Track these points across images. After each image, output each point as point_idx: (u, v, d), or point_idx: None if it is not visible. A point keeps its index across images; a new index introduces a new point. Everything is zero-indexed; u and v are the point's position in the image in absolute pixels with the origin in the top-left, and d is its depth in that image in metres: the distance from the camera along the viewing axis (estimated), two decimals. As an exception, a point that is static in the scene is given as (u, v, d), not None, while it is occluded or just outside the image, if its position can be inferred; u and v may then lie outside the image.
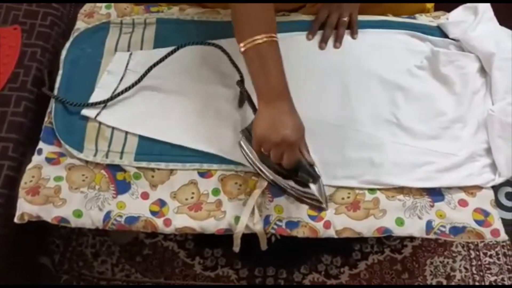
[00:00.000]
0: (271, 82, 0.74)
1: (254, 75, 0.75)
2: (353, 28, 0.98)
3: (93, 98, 0.89)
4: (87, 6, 1.03)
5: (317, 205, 0.82)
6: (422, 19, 1.03)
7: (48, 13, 1.02)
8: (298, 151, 0.76)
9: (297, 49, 0.97)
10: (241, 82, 0.86)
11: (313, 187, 0.80)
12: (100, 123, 0.88)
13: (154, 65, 0.90)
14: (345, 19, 0.96)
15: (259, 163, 0.81)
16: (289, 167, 0.77)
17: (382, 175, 0.84)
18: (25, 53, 0.97)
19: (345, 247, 1.29)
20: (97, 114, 0.88)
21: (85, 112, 0.88)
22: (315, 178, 0.80)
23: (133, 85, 0.90)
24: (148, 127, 0.87)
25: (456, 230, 0.81)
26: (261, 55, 0.73)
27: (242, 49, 0.74)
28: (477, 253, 1.30)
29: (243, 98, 0.87)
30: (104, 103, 0.89)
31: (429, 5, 1.07)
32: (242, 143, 0.83)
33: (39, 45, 0.99)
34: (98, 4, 1.03)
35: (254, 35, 0.72)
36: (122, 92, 0.89)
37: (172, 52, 0.90)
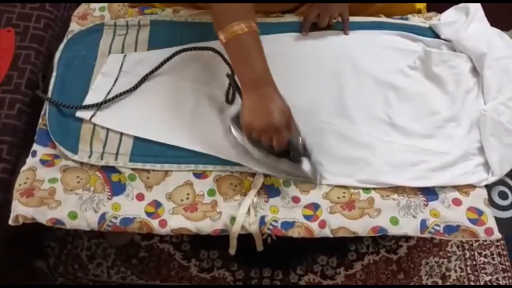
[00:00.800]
0: (253, 71, 0.75)
1: (237, 65, 0.78)
2: (345, 26, 0.99)
3: (87, 100, 0.89)
4: (81, 8, 1.03)
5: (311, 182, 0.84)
6: (414, 20, 1.04)
7: (42, 16, 1.02)
8: (286, 132, 0.77)
9: (291, 50, 0.98)
10: (231, 75, 0.86)
11: (305, 165, 0.81)
12: (94, 124, 0.88)
13: (151, 72, 0.92)
14: (336, 19, 0.97)
15: (250, 148, 0.83)
16: (280, 150, 0.79)
17: (376, 174, 0.84)
18: (19, 55, 0.97)
19: (341, 248, 1.29)
20: (92, 116, 0.88)
21: (79, 114, 0.88)
22: (307, 155, 0.81)
23: (127, 91, 0.90)
24: (143, 128, 0.87)
25: (450, 229, 0.82)
26: (243, 45, 0.75)
27: (224, 41, 0.75)
28: (472, 253, 1.30)
29: (233, 90, 0.88)
30: (97, 106, 0.88)
31: (421, 6, 1.08)
32: (232, 129, 0.84)
33: (33, 47, 0.99)
34: (92, 6, 1.03)
35: (232, 23, 0.73)
36: (116, 97, 0.89)
37: (168, 59, 0.92)
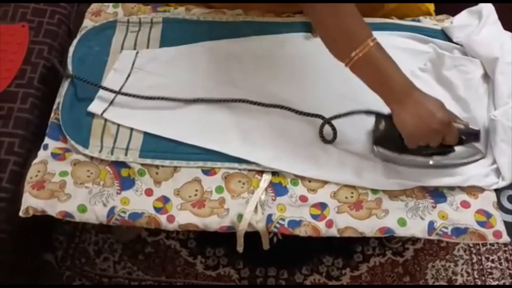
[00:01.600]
0: (397, 83, 0.74)
1: (375, 84, 0.75)
2: None
3: (100, 95, 0.90)
4: (95, 5, 1.04)
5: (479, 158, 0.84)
6: (426, 22, 1.04)
7: (56, 12, 1.03)
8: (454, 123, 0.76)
9: (301, 50, 0.98)
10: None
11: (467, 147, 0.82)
12: (106, 120, 0.88)
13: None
14: None
15: (406, 156, 0.83)
16: (455, 141, 0.78)
17: (385, 175, 0.84)
18: (32, 50, 0.98)
19: (347, 249, 1.29)
20: (104, 111, 0.88)
21: (91, 108, 0.89)
22: (477, 133, 0.81)
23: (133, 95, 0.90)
24: (154, 125, 0.88)
25: (458, 231, 0.81)
26: (374, 62, 0.73)
27: (350, 64, 0.73)
28: (479, 257, 1.30)
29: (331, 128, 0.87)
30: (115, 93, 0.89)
31: (431, 8, 1.07)
32: (378, 150, 0.84)
33: (47, 42, 1.00)
34: (106, 3, 1.04)
35: (355, 47, 0.71)
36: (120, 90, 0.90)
37: None
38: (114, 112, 0.89)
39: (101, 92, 0.90)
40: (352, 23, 0.74)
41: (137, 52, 0.96)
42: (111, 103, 0.90)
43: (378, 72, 0.74)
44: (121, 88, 0.91)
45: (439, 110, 0.74)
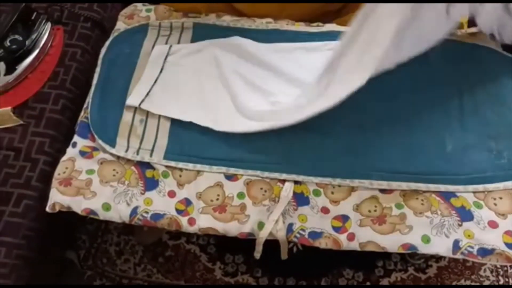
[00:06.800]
0: None
1: None
2: None
3: (136, 90, 0.92)
4: (128, 8, 1.06)
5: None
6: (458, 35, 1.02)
7: (90, 16, 1.06)
8: None
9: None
10: None
11: None
12: (133, 121, 0.90)
13: None
14: None
15: None
16: None
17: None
18: (66, 52, 1.01)
19: (368, 263, 1.26)
20: (141, 102, 0.90)
21: (129, 102, 0.90)
22: None
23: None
24: (189, 114, 0.89)
25: (485, 251, 0.78)
26: None
27: None
28: (506, 280, 1.25)
29: None
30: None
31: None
32: None
33: (80, 45, 1.03)
34: (139, 7, 1.06)
35: None
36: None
37: None
38: (150, 102, 0.90)
39: (137, 87, 0.92)
40: None
41: (170, 46, 0.97)
42: (147, 95, 0.91)
43: None
44: (156, 80, 0.92)
45: None
